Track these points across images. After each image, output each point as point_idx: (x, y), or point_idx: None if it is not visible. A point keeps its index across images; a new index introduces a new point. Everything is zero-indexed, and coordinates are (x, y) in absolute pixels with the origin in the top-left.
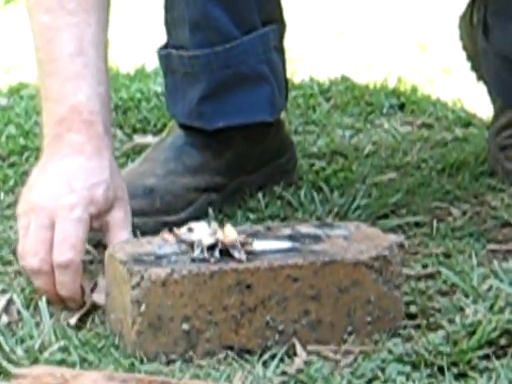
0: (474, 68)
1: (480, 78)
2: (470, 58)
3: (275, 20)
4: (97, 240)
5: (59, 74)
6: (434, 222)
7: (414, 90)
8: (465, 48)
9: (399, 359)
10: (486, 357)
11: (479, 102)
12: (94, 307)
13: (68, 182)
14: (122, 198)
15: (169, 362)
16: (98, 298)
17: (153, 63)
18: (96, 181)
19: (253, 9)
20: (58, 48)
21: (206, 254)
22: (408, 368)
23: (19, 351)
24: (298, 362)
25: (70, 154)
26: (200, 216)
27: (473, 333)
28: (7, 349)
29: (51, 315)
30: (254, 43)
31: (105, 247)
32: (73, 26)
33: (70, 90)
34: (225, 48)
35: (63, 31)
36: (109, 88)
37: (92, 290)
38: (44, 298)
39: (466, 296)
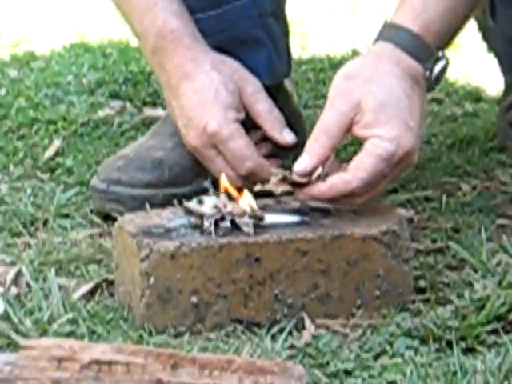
0: (485, 38)
1: (491, 49)
2: (481, 28)
3: None
4: (106, 212)
5: (134, 10)
6: (444, 196)
7: None
8: (476, 19)
9: (407, 333)
10: (495, 331)
11: (489, 77)
12: (104, 280)
13: (199, 105)
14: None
15: (177, 335)
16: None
17: None
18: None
19: None
20: None
21: (213, 227)
22: (416, 342)
23: (28, 323)
24: (307, 335)
25: (179, 81)
26: (209, 189)
27: (481, 308)
28: (16, 320)
29: (60, 287)
30: (246, 7)
31: (114, 220)
32: None
33: (148, 21)
34: (217, 12)
35: None
36: (181, 2)
37: None
38: (53, 270)
39: (475, 271)
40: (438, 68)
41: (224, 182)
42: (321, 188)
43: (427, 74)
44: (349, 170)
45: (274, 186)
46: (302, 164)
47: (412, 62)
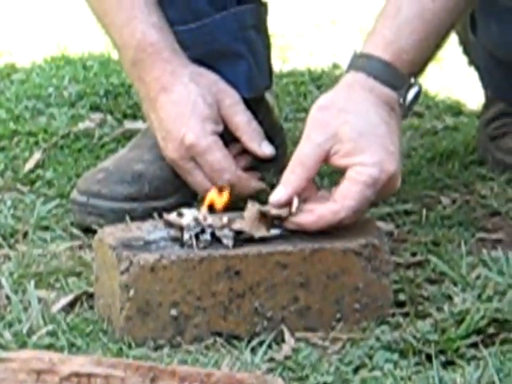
0: (466, 52)
1: (471, 62)
2: (462, 42)
3: (251, 0)
4: (86, 225)
5: (114, 22)
6: (424, 210)
7: None
8: (457, 33)
9: (387, 347)
10: (474, 345)
11: (470, 91)
12: (84, 293)
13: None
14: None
15: (157, 348)
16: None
17: None
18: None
19: None
20: (106, 0)
21: (194, 240)
22: (396, 356)
23: (7, 335)
24: (286, 348)
25: (157, 94)
26: (189, 201)
27: (461, 321)
28: None
29: (39, 300)
30: (227, 21)
31: (94, 232)
32: None
33: (127, 33)
34: (197, 25)
35: None
36: (160, 13)
37: None
38: (32, 283)
39: (455, 284)
40: (411, 95)
41: (211, 195)
42: (309, 219)
43: (401, 100)
44: (335, 199)
45: (252, 224)
46: (278, 195)
47: (386, 90)
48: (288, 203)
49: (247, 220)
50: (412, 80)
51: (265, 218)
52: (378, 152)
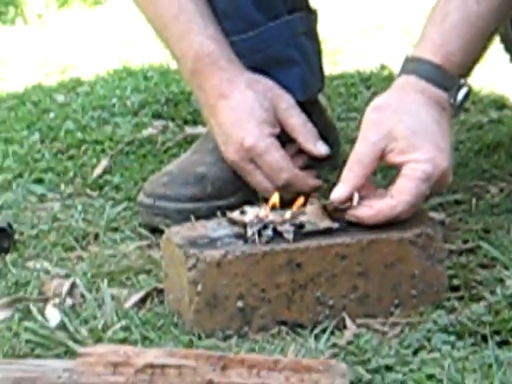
0: (508, 50)
1: None
2: (503, 40)
3: (302, 8)
4: (153, 226)
5: (173, 35)
6: (473, 199)
7: None
8: (498, 32)
9: (444, 329)
10: None
11: (511, 87)
12: (154, 289)
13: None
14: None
15: (225, 338)
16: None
17: None
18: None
19: None
20: (163, 15)
21: (257, 236)
22: (452, 337)
23: (83, 331)
24: (348, 334)
25: (216, 100)
26: (250, 200)
27: None
28: (72, 329)
29: (112, 297)
30: (280, 29)
31: (161, 232)
32: None
33: (185, 45)
34: (251, 34)
35: (161, 1)
36: (216, 25)
37: None
38: (105, 281)
39: (506, 268)
40: (461, 95)
41: (275, 198)
42: (368, 213)
43: (451, 100)
44: (392, 195)
45: (315, 217)
46: (338, 192)
47: (436, 91)
48: (348, 200)
49: (310, 214)
50: (462, 81)
51: (326, 212)
52: (430, 149)
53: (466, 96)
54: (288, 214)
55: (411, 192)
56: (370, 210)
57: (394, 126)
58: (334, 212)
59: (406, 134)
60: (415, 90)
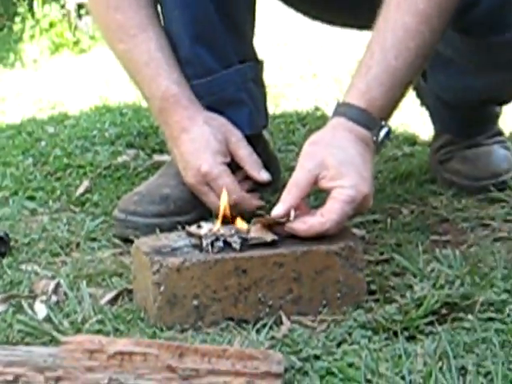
0: (419, 96)
1: (423, 104)
2: (415, 88)
3: (250, 59)
4: (125, 236)
5: (144, 79)
6: (388, 219)
7: None
8: None
9: (362, 326)
10: (431, 323)
11: (422, 126)
12: (125, 289)
13: (195, 151)
14: (230, 129)
15: (182, 331)
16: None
17: None
18: (208, 139)
19: (230, 50)
20: (136, 62)
21: (210, 247)
22: (369, 333)
23: (65, 323)
24: (284, 329)
25: (179, 133)
26: (205, 217)
27: (420, 305)
28: (56, 322)
29: (90, 295)
30: (232, 76)
31: (132, 242)
32: (140, 44)
33: (154, 87)
34: (208, 79)
35: (135, 50)
36: (179, 71)
37: None
38: (84, 282)
39: (414, 276)
40: (382, 134)
41: (220, 211)
42: (302, 227)
43: (374, 138)
44: (322, 213)
45: (259, 232)
46: (278, 210)
47: (361, 130)
48: (286, 216)
49: (254, 229)
50: (383, 123)
51: (267, 227)
52: (354, 177)
53: (387, 135)
54: (234, 229)
55: (338, 212)
56: (303, 224)
57: (325, 158)
58: (274, 226)
59: (335, 164)
60: (344, 129)
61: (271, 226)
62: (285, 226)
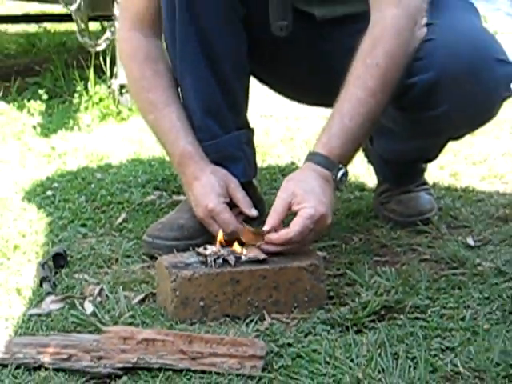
0: (366, 155)
1: (369, 161)
2: (363, 149)
3: (244, 127)
4: (151, 255)
5: (167, 141)
6: (343, 244)
7: None
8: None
9: (323, 322)
10: (373, 321)
11: (369, 177)
12: (150, 293)
13: (203, 194)
14: (230, 178)
15: (192, 324)
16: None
17: None
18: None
19: (230, 121)
20: (162, 128)
21: (213, 263)
22: (328, 327)
23: (106, 317)
24: (266, 324)
25: (192, 180)
26: (210, 241)
27: (365, 307)
28: (100, 316)
29: (125, 297)
30: (231, 140)
31: (156, 259)
32: (165, 115)
33: (174, 147)
34: (214, 142)
35: (161, 120)
36: (193, 135)
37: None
38: (121, 287)
39: (361, 286)
40: (340, 174)
41: (220, 237)
42: (274, 236)
43: (333, 177)
44: (289, 226)
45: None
46: (265, 228)
47: (323, 170)
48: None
49: (249, 250)
50: (340, 165)
51: (253, 236)
52: (314, 201)
53: (344, 175)
54: (231, 250)
55: (300, 225)
56: (275, 234)
57: (295, 189)
58: (257, 236)
59: (301, 192)
60: (310, 170)
61: (256, 234)
62: (265, 237)
